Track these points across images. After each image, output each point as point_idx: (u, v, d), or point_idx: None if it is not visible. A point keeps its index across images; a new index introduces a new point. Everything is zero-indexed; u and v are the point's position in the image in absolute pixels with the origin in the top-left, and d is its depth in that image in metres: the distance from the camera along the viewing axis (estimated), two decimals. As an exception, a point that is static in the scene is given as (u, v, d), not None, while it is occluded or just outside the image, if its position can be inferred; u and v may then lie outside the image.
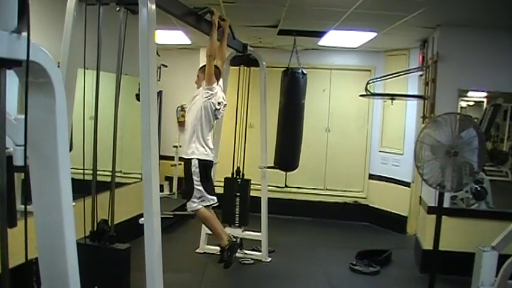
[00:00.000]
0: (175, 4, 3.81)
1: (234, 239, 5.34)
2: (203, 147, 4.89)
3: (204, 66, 4.92)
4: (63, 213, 1.74)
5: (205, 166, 4.94)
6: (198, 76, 5.13)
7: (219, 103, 4.90)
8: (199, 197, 4.91)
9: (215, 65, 4.91)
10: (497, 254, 4.95)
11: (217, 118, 5.07)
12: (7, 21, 1.46)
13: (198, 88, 5.03)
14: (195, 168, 4.88)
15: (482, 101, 7.20)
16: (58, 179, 1.71)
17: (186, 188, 5.15)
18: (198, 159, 4.86)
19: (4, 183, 1.57)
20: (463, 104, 7.06)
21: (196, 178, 4.89)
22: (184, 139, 5.21)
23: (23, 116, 1.59)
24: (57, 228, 1.75)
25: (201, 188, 4.90)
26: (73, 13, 3.10)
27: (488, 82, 6.01)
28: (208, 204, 4.96)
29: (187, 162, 4.94)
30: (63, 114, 1.70)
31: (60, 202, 1.72)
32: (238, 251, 6.29)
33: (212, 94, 4.81)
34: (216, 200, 5.03)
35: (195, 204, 4.94)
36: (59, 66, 3.02)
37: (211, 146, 5.01)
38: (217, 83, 4.93)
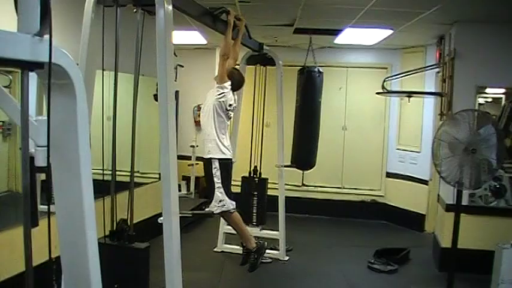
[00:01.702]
0: (192, 4, 3.84)
1: (261, 243, 5.35)
2: (218, 145, 4.89)
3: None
4: (85, 212, 1.76)
5: (225, 165, 4.94)
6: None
7: (229, 105, 4.89)
8: (220, 201, 4.92)
9: (239, 72, 5.00)
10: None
11: (229, 118, 5.05)
12: (30, 25, 1.49)
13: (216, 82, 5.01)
14: (216, 169, 4.88)
15: (501, 98, 7.13)
16: (80, 179, 1.74)
17: (208, 188, 5.16)
18: (218, 159, 4.87)
19: (27, 183, 1.60)
20: (481, 100, 7.00)
21: (217, 180, 4.90)
22: (201, 139, 5.24)
23: (44, 117, 1.61)
24: (79, 228, 1.77)
25: (222, 191, 4.90)
26: (91, 15, 3.13)
27: (506, 78, 5.96)
28: (227, 210, 4.97)
29: (207, 162, 4.95)
30: (84, 114, 1.73)
31: (81, 202, 1.75)
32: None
33: (224, 93, 4.80)
34: (234, 206, 5.02)
35: (215, 209, 4.97)
36: (78, 68, 3.06)
37: (227, 144, 4.99)
38: (234, 91, 4.93)
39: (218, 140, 4.89)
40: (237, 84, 5.05)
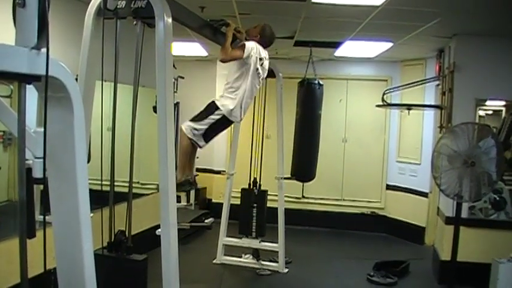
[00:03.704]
0: (192, 17, 3.86)
1: (191, 182, 5.07)
2: (237, 108, 4.61)
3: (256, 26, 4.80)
4: (81, 224, 1.77)
5: (225, 122, 4.69)
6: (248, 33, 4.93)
7: (260, 58, 4.64)
8: (195, 130, 4.62)
9: (271, 30, 4.86)
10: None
11: (262, 78, 4.82)
12: (27, 38, 1.51)
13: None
14: (216, 116, 4.57)
15: (501, 110, 7.14)
16: (76, 191, 1.74)
17: (198, 115, 4.83)
18: (224, 116, 4.64)
19: (24, 194, 1.60)
20: (482, 113, 7.01)
21: (208, 121, 4.59)
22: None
23: (42, 129, 1.62)
24: (75, 239, 1.78)
25: (204, 129, 4.60)
26: (91, 27, 3.15)
27: (506, 91, 5.97)
28: (192, 139, 4.68)
29: (215, 105, 4.60)
30: (81, 127, 1.74)
31: (78, 213, 1.75)
32: (255, 261, 6.31)
33: (250, 56, 4.53)
34: (201, 146, 4.78)
35: (189, 130, 4.66)
36: (77, 79, 3.08)
37: (244, 108, 4.69)
38: (254, 41, 4.68)
39: (240, 103, 4.60)
40: (269, 41, 4.90)
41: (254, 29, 4.82)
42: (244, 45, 4.53)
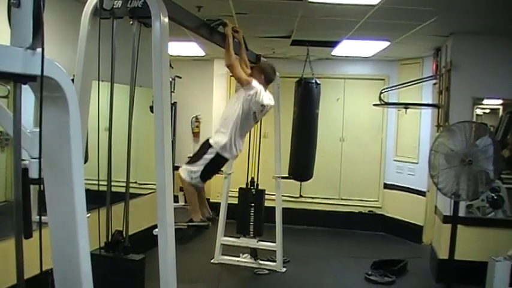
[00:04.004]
0: (188, 17, 3.85)
1: (207, 223, 5.14)
2: (230, 145, 4.65)
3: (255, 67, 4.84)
4: (78, 224, 1.76)
5: (220, 160, 4.75)
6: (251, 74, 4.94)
7: (262, 105, 4.68)
8: (192, 172, 4.68)
9: (270, 66, 4.91)
10: (510, 264, 4.93)
11: (255, 120, 4.90)
12: (22, 38, 1.50)
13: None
14: (210, 154, 4.63)
15: (498, 109, 7.16)
16: (72, 191, 1.74)
17: (193, 157, 4.89)
18: (218, 152, 4.67)
19: (20, 194, 1.60)
20: (479, 111, 7.02)
21: (203, 161, 4.65)
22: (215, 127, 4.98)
23: (38, 129, 1.62)
24: (72, 239, 1.78)
25: (200, 170, 4.65)
26: (87, 27, 3.14)
27: (503, 89, 5.98)
28: (190, 182, 4.73)
29: (208, 144, 4.70)
30: (77, 127, 1.74)
31: (74, 213, 1.75)
32: (253, 261, 6.32)
33: (251, 95, 4.60)
34: (201, 184, 4.82)
35: (186, 174, 4.72)
36: (73, 79, 3.07)
37: (238, 145, 4.73)
38: (260, 83, 4.70)
39: (233, 141, 4.63)
40: (272, 76, 4.95)
41: (254, 72, 4.84)
42: (251, 80, 4.59)
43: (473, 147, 4.83)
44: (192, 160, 4.76)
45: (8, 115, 1.67)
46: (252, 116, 4.69)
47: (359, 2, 4.75)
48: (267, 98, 4.74)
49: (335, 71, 8.70)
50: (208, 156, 4.63)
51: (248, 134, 6.50)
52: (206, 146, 4.71)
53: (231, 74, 4.85)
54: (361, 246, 7.90)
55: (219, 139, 4.64)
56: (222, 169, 5.21)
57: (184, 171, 4.70)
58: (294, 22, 5.76)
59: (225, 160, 4.82)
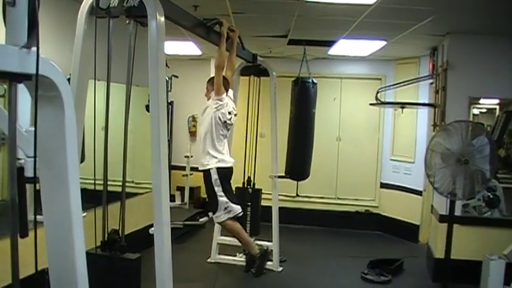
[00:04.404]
0: (185, 16, 3.85)
1: (264, 248, 5.38)
2: (216, 157, 4.93)
3: (212, 78, 4.98)
4: (73, 223, 1.76)
5: (224, 174, 4.97)
6: (207, 88, 5.20)
7: (229, 113, 4.95)
8: (225, 208, 4.95)
9: (223, 76, 4.95)
10: (504, 263, 4.95)
11: (228, 129, 5.11)
12: (17, 37, 1.50)
13: (208, 100, 5.09)
14: (215, 178, 4.92)
15: (495, 108, 7.17)
16: (68, 190, 1.74)
17: (209, 200, 5.20)
18: (217, 168, 4.90)
19: (15, 193, 1.60)
20: (476, 111, 7.04)
21: (218, 188, 4.93)
22: (199, 151, 5.29)
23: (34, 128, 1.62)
24: (67, 239, 1.78)
25: (225, 198, 4.93)
26: (84, 26, 3.15)
27: (499, 89, 5.99)
28: (234, 214, 5.00)
29: (206, 173, 4.98)
30: (73, 126, 1.73)
31: (69, 213, 1.75)
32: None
33: (221, 105, 4.86)
34: (240, 209, 5.07)
35: (222, 217, 4.99)
36: (69, 78, 3.07)
37: (226, 152, 5.04)
38: (227, 94, 4.97)
39: (215, 151, 4.92)
40: (227, 89, 5.16)
41: (211, 86, 5.14)
42: (224, 92, 4.98)
43: (469, 147, 4.83)
44: (213, 203, 5.08)
45: (4, 114, 1.67)
46: (221, 124, 4.98)
47: (355, 1, 4.75)
48: (231, 106, 5.11)
49: (332, 70, 8.70)
50: (217, 182, 4.86)
51: (245, 133, 6.55)
52: (207, 178, 5.05)
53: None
54: (357, 245, 7.91)
55: (207, 158, 5.01)
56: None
57: (218, 217, 5.09)
58: (290, 21, 5.76)
59: (228, 170, 4.99)
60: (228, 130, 5.12)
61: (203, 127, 5.00)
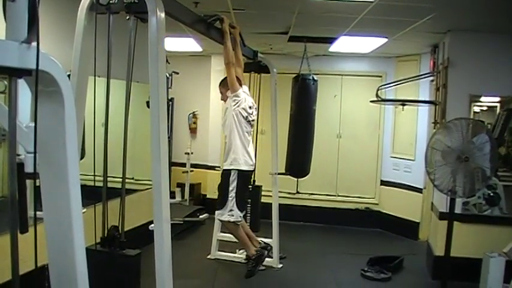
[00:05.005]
0: (185, 12, 3.85)
1: (262, 251, 5.36)
2: (243, 155, 4.92)
3: (223, 80, 4.98)
4: (73, 219, 1.76)
5: (244, 177, 4.97)
6: (220, 92, 5.19)
7: (249, 107, 4.93)
8: (230, 211, 4.95)
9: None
10: (504, 260, 4.95)
11: (250, 124, 5.08)
12: (17, 32, 1.50)
13: (225, 102, 5.08)
14: (232, 179, 4.91)
15: (496, 106, 7.16)
16: (67, 186, 1.74)
17: (219, 197, 5.19)
18: (238, 170, 4.89)
19: (15, 189, 1.60)
20: (476, 109, 7.03)
21: (232, 189, 4.93)
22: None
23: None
24: (67, 235, 1.77)
25: (234, 201, 4.93)
26: (84, 22, 3.14)
27: (500, 87, 5.97)
28: (234, 220, 4.99)
29: (226, 172, 4.97)
30: (73, 122, 1.73)
31: (69, 209, 1.75)
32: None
33: (239, 100, 4.84)
34: (241, 218, 5.07)
35: (224, 217, 4.99)
36: (70, 75, 3.07)
37: (251, 153, 5.06)
38: (242, 89, 4.95)
39: (243, 149, 4.91)
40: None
41: (223, 88, 5.16)
42: (239, 88, 4.96)
43: (469, 144, 4.83)
44: (221, 200, 5.08)
45: (4, 109, 1.67)
46: (244, 120, 4.97)
47: (356, -2, 4.76)
48: (250, 101, 5.11)
49: (332, 67, 8.69)
50: (233, 184, 4.84)
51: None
52: (226, 176, 5.03)
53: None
54: (357, 242, 7.91)
55: (233, 157, 4.97)
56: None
57: (224, 216, 5.08)
58: (291, 18, 5.75)
59: (248, 174, 4.99)
60: (251, 126, 5.10)
61: (227, 128, 4.98)
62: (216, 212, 5.14)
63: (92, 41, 3.14)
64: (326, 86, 7.96)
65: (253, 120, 5.10)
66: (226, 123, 5.01)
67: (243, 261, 5.38)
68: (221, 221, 5.26)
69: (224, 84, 5.03)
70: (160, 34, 3.01)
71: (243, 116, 4.87)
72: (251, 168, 5.05)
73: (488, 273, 5.03)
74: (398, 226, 8.27)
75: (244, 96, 4.94)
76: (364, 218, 8.71)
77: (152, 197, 3.12)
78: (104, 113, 3.28)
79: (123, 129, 3.36)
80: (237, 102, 4.85)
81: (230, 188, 4.94)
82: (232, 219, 4.99)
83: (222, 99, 5.17)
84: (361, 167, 8.73)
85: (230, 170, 4.94)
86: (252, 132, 5.17)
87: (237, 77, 4.99)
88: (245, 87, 5.19)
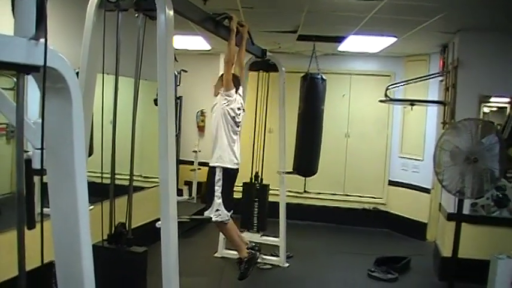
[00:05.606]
0: (194, 10, 3.84)
1: (254, 252, 5.32)
2: (228, 154, 4.88)
3: (222, 75, 4.96)
4: (79, 216, 1.77)
5: (230, 175, 4.93)
6: (214, 86, 5.15)
7: (238, 108, 4.91)
8: (216, 210, 4.91)
9: (233, 74, 4.93)
10: (512, 262, 4.91)
11: (237, 125, 5.06)
12: (25, 28, 1.50)
13: (216, 97, 5.05)
14: (218, 178, 4.87)
15: (506, 107, 7.11)
16: (74, 183, 1.74)
17: (206, 194, 5.16)
18: (223, 168, 4.86)
19: (22, 185, 1.60)
20: (486, 109, 6.97)
21: (217, 188, 4.88)
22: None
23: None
24: (73, 231, 1.78)
25: (220, 200, 4.87)
26: (92, 19, 3.14)
27: (510, 88, 5.93)
28: (221, 220, 4.95)
29: (212, 170, 4.94)
30: (80, 119, 1.73)
31: (76, 205, 1.75)
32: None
33: (230, 100, 4.81)
34: (229, 217, 5.00)
35: (212, 215, 4.96)
36: (78, 72, 3.07)
37: (237, 151, 4.97)
38: (237, 91, 4.93)
39: (229, 148, 4.87)
40: (238, 81, 5.10)
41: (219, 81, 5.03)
42: (232, 88, 4.85)
43: (479, 145, 4.80)
44: (208, 200, 5.02)
45: (12, 106, 1.68)
46: (231, 120, 4.89)
47: (366, -4, 4.73)
48: (240, 102, 5.01)
49: (341, 66, 8.67)
50: (219, 182, 4.82)
51: (253, 128, 6.54)
52: (211, 175, 4.95)
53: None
54: (364, 242, 7.89)
55: (219, 154, 4.88)
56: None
57: (212, 215, 4.97)
58: (300, 17, 5.74)
59: (234, 173, 4.95)
60: (238, 127, 5.09)
61: (213, 124, 4.96)
62: (205, 212, 5.09)
63: (100, 38, 3.14)
64: (334, 85, 7.93)
65: (239, 122, 5.06)
66: (213, 119, 4.99)
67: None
68: (214, 221, 5.19)
69: (221, 79, 5.02)
70: (169, 32, 3.02)
71: (231, 116, 4.86)
72: (236, 167, 5.00)
73: (496, 275, 5.00)
74: (405, 226, 8.24)
75: (236, 97, 4.92)
76: (372, 218, 8.69)
77: (159, 194, 3.13)
78: (112, 110, 3.29)
79: (131, 126, 3.37)
80: (228, 101, 4.83)
81: (216, 188, 4.89)
82: (219, 218, 4.93)
83: (214, 95, 5.13)
84: (369, 166, 8.71)
85: (215, 167, 4.90)
86: (239, 133, 5.12)
87: (236, 76, 4.96)
88: (241, 90, 5.14)
